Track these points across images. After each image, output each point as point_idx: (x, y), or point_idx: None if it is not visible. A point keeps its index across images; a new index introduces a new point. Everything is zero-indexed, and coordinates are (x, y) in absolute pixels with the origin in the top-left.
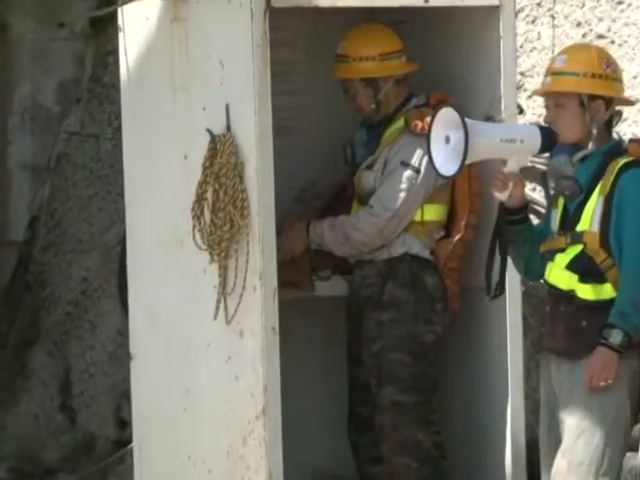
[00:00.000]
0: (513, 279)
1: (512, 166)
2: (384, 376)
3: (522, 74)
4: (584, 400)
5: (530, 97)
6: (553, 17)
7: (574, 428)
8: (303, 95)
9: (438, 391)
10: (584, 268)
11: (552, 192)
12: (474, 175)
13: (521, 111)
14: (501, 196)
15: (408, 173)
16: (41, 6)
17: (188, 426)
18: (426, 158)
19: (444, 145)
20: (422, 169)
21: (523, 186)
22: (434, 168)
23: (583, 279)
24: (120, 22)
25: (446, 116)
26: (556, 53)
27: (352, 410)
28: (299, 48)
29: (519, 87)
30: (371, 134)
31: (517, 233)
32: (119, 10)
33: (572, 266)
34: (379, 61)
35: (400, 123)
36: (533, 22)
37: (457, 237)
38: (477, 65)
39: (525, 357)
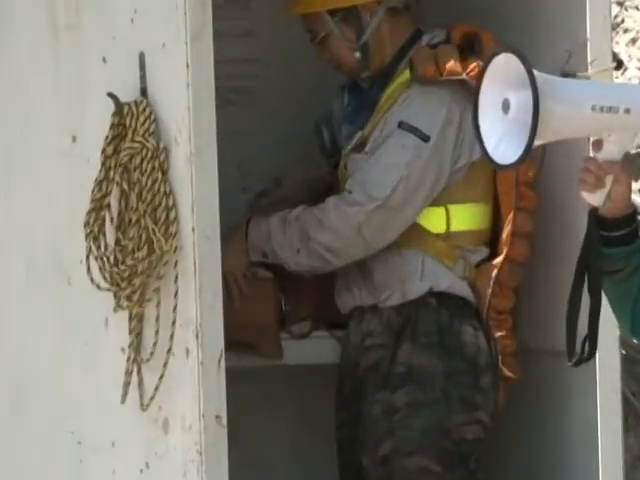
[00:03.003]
0: (607, 336)
1: (611, 151)
2: None
3: (620, 4)
4: None
5: (634, 42)
6: None
7: None
8: (261, 39)
9: None
10: None
11: None
12: None
13: (619, 64)
14: (593, 199)
15: (411, 140)
16: None
17: None
18: (442, 120)
19: (501, 115)
20: (434, 135)
21: (629, 183)
22: (485, 153)
23: None
24: None
25: (505, 67)
26: None
27: None
28: None
29: (616, 26)
30: (358, 101)
31: (618, 260)
32: None
33: None
34: None
35: (404, 77)
36: None
37: (503, 255)
38: None
39: (628, 459)
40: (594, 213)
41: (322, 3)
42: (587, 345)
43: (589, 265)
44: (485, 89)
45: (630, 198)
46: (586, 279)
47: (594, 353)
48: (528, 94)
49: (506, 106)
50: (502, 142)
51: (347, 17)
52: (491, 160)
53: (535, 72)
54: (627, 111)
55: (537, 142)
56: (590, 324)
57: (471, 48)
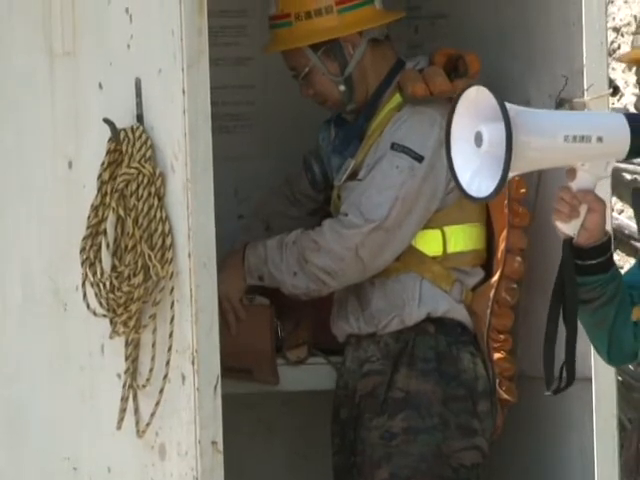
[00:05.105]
0: (604, 363)
1: (585, 180)
2: None
3: (616, 30)
4: None
5: (630, 68)
6: None
7: None
8: (258, 66)
9: None
10: None
11: None
12: None
13: (616, 90)
14: (567, 228)
15: (405, 161)
16: None
17: None
18: (434, 139)
19: (474, 148)
20: (428, 155)
21: (603, 211)
22: (459, 187)
23: None
24: None
25: (476, 100)
26: None
27: None
28: None
29: (612, 52)
30: (346, 132)
31: (593, 288)
32: None
33: None
34: (338, 13)
35: (394, 101)
36: None
37: (498, 273)
38: (538, 14)
39: None
40: (569, 242)
41: (304, 38)
42: (565, 373)
43: (565, 292)
44: (457, 122)
45: (605, 226)
46: (562, 306)
47: (572, 381)
48: (500, 127)
49: (479, 139)
50: (477, 175)
51: (329, 51)
52: (466, 194)
53: (507, 104)
54: (599, 140)
55: (511, 174)
56: (567, 353)
57: (455, 70)
